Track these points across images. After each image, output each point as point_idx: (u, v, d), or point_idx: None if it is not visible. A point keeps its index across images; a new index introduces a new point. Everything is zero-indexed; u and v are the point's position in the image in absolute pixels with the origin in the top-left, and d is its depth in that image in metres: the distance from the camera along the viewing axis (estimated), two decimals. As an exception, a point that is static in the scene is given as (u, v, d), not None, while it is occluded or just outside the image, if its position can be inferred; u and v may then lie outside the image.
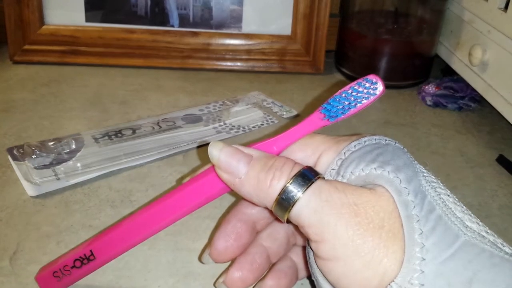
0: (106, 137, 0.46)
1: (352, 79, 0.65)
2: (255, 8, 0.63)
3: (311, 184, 0.21)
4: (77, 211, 0.38)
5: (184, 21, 0.63)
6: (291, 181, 0.21)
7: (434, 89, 0.58)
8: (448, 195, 0.22)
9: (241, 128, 0.50)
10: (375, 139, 0.23)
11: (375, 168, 0.21)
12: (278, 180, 0.22)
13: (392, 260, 0.20)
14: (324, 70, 0.64)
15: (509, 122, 0.47)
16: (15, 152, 0.43)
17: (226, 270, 0.27)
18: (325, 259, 0.21)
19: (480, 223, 0.21)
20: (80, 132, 0.47)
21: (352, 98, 0.23)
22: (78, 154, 0.44)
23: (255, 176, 0.22)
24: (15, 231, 0.35)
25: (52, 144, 0.44)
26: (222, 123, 0.51)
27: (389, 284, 0.19)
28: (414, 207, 0.20)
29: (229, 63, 0.63)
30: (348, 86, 0.23)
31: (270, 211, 0.23)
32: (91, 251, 0.27)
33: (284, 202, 0.21)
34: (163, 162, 0.44)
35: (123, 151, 0.44)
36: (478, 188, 0.43)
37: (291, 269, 0.28)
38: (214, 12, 0.63)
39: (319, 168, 0.24)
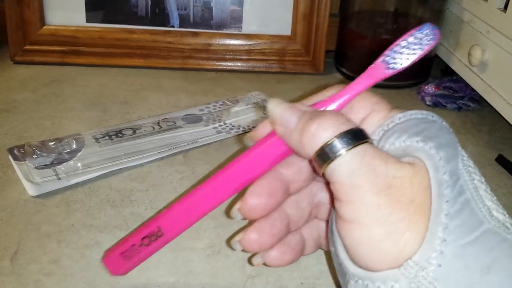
0: (107, 137, 0.47)
1: (352, 79, 0.65)
2: (255, 9, 0.63)
3: (358, 145, 0.21)
4: (77, 210, 0.38)
5: (184, 21, 0.63)
6: (339, 136, 0.21)
7: (433, 89, 0.58)
8: (482, 183, 0.22)
9: (241, 128, 0.50)
10: (422, 114, 0.23)
11: (417, 141, 0.21)
12: (324, 130, 0.21)
13: (414, 235, 0.20)
14: (324, 70, 0.64)
15: (508, 122, 0.47)
16: (16, 152, 0.43)
17: (244, 230, 0.26)
18: (347, 221, 0.21)
19: (507, 215, 0.21)
20: (80, 132, 0.47)
21: (412, 47, 0.23)
22: (79, 154, 0.44)
23: (303, 124, 0.22)
24: (16, 231, 0.35)
25: (53, 144, 0.45)
26: (222, 123, 0.51)
27: (406, 261, 0.19)
28: (447, 187, 0.20)
29: (229, 63, 0.63)
30: (406, 35, 0.24)
31: (310, 162, 0.23)
32: (158, 227, 0.27)
33: (326, 155, 0.21)
34: (163, 162, 0.45)
35: (123, 151, 0.45)
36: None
37: (298, 245, 0.27)
38: (214, 12, 0.63)
39: (365, 126, 0.24)
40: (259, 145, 0.25)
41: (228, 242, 0.31)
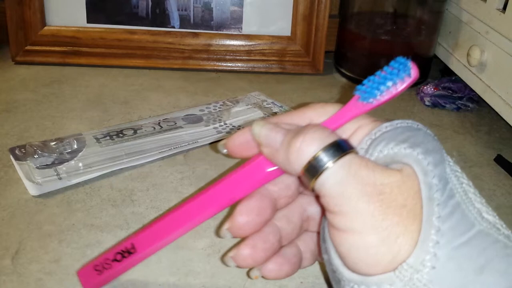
0: (108, 137, 0.47)
1: (351, 79, 0.66)
2: (255, 9, 0.63)
3: (343, 156, 0.21)
4: (78, 210, 0.38)
5: (184, 22, 0.63)
6: (324, 149, 0.21)
7: (432, 89, 0.58)
8: (470, 186, 0.22)
9: (241, 128, 0.50)
10: (407, 123, 0.23)
11: (404, 148, 0.21)
12: (309, 145, 0.21)
13: (408, 239, 0.20)
14: (323, 70, 0.64)
15: (507, 122, 0.47)
16: (17, 152, 0.43)
17: (237, 245, 0.26)
18: (341, 230, 0.21)
19: (497, 217, 0.21)
20: (81, 132, 0.47)
21: (386, 81, 0.23)
22: (80, 154, 0.44)
23: (288, 141, 0.22)
24: (17, 230, 0.36)
25: (54, 144, 0.45)
26: (222, 123, 0.51)
27: (401, 264, 0.20)
28: (437, 190, 0.20)
29: (229, 64, 0.63)
30: (381, 70, 0.23)
31: (299, 178, 0.23)
32: (132, 244, 0.27)
33: (313, 169, 0.21)
34: (164, 162, 0.45)
35: (124, 151, 0.45)
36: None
37: (295, 257, 0.28)
38: (215, 13, 0.63)
39: (353, 142, 0.24)
40: (241, 167, 0.25)
41: (222, 257, 0.31)
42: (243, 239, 0.26)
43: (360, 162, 0.21)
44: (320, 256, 0.29)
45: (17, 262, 0.33)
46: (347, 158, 0.21)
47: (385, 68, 0.23)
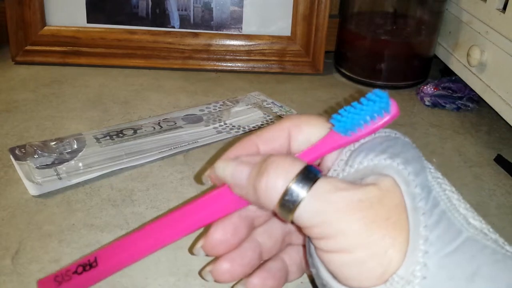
0: (108, 137, 0.47)
1: (351, 79, 0.66)
2: (255, 9, 0.63)
3: (314, 183, 0.20)
4: (78, 210, 0.38)
5: (184, 22, 0.63)
6: (292, 182, 0.21)
7: (432, 89, 0.58)
8: (453, 192, 0.22)
9: (241, 128, 0.50)
10: (385, 132, 0.23)
11: (384, 159, 0.21)
12: (275, 182, 0.21)
13: (397, 251, 0.20)
14: (323, 70, 0.64)
15: (507, 122, 0.47)
16: (17, 152, 0.43)
17: (214, 260, 0.26)
18: (329, 252, 0.21)
19: (483, 221, 0.21)
20: (81, 132, 0.47)
21: (363, 113, 0.22)
22: (80, 154, 0.44)
23: (253, 182, 0.22)
24: (17, 230, 0.36)
25: (54, 144, 0.45)
26: (222, 123, 0.51)
27: (392, 276, 0.19)
28: (420, 200, 0.20)
29: (229, 64, 0.63)
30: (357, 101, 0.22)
31: (274, 213, 0.22)
32: (95, 258, 0.26)
33: (287, 203, 0.21)
34: (164, 162, 0.45)
35: (124, 151, 0.45)
36: (476, 188, 0.43)
37: (280, 272, 0.27)
38: (215, 13, 0.63)
39: (328, 159, 0.24)
40: (210, 192, 0.25)
41: (200, 272, 0.31)
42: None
43: (331, 185, 0.21)
44: (307, 269, 0.28)
45: (17, 262, 0.33)
46: (318, 184, 0.21)
47: (362, 99, 0.22)
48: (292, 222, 0.22)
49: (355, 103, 0.22)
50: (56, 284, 0.27)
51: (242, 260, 0.26)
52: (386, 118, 0.22)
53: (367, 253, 0.20)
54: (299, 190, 0.21)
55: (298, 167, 0.21)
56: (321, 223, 0.20)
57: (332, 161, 0.24)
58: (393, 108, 0.21)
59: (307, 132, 0.24)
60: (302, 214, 0.21)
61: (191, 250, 0.33)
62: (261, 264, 0.28)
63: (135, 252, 0.26)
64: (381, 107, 0.21)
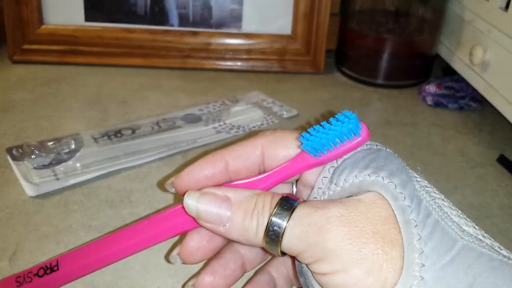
0: (106, 137, 0.46)
1: (352, 78, 0.65)
2: (255, 8, 0.63)
3: (293, 211, 0.21)
4: (76, 211, 0.38)
5: (183, 20, 0.63)
6: (273, 214, 0.21)
7: (435, 88, 0.57)
8: (443, 200, 0.22)
9: (241, 128, 0.50)
10: (366, 145, 0.23)
11: (369, 175, 0.21)
12: (262, 217, 0.21)
13: (392, 266, 0.19)
14: (324, 69, 0.64)
15: (510, 122, 0.47)
16: (14, 152, 0.43)
17: (197, 273, 0.26)
18: (325, 275, 0.21)
19: (476, 227, 0.21)
20: (79, 132, 0.47)
21: (332, 135, 0.21)
22: (78, 154, 0.43)
23: (241, 224, 0.22)
24: (15, 231, 0.35)
25: (52, 144, 0.44)
26: (222, 123, 0.51)
27: None
28: (411, 212, 0.20)
29: (229, 63, 0.63)
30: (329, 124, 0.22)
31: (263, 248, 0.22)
32: (57, 261, 0.26)
33: (272, 236, 0.21)
34: (162, 162, 0.44)
35: (122, 151, 0.44)
36: (479, 188, 0.43)
37: (268, 285, 0.27)
38: (214, 11, 0.63)
39: (308, 177, 0.24)
40: (174, 207, 0.24)
41: (183, 286, 0.30)
42: (204, 266, 0.26)
43: (310, 206, 0.21)
44: (297, 282, 0.28)
45: (14, 264, 0.32)
46: (297, 212, 0.21)
47: (332, 120, 0.22)
48: (284, 254, 0.22)
49: (324, 123, 0.22)
50: (17, 284, 0.27)
51: (225, 271, 0.26)
52: (356, 141, 0.21)
53: (362, 270, 0.19)
54: (279, 222, 0.21)
55: (275, 199, 0.22)
56: (308, 247, 0.20)
57: (314, 178, 0.23)
58: (363, 132, 0.21)
59: (281, 150, 0.24)
60: (288, 242, 0.21)
61: (167, 258, 0.33)
62: (250, 279, 0.27)
63: (96, 260, 0.25)
64: (350, 128, 0.21)
